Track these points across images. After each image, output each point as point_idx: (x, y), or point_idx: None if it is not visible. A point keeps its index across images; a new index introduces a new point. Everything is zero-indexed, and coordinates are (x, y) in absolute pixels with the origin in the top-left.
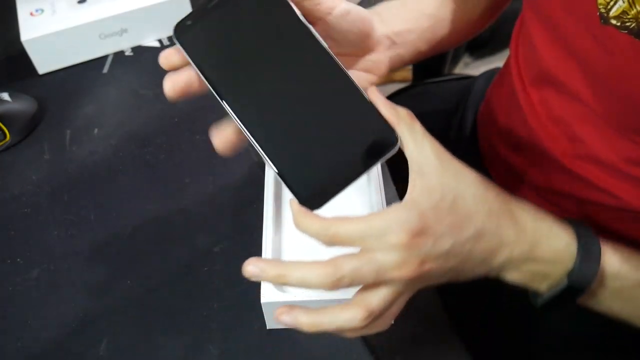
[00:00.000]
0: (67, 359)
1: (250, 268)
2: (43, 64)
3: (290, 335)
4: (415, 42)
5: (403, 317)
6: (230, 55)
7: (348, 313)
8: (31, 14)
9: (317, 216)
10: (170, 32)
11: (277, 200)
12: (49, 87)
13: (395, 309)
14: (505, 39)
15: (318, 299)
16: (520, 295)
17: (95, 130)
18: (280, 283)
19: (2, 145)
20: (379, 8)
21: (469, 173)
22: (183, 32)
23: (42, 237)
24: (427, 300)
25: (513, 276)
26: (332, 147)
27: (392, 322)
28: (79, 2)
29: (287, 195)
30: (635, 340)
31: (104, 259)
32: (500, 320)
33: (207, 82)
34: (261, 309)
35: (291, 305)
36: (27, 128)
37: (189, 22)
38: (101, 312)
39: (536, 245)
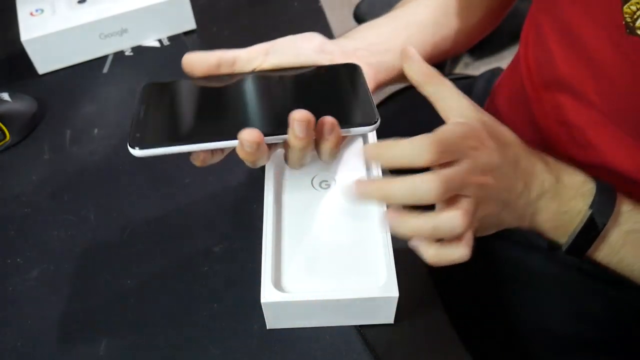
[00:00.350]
0: (67, 359)
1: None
2: (43, 64)
3: (290, 335)
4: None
5: (403, 317)
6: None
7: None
8: (31, 14)
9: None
10: (171, 33)
11: (277, 200)
12: (49, 87)
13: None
14: (505, 39)
15: (318, 299)
16: (519, 295)
17: (95, 130)
18: (385, 199)
19: (2, 145)
20: (358, 29)
21: (496, 119)
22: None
23: (42, 237)
24: (427, 300)
25: (543, 218)
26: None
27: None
28: (79, 2)
29: (287, 195)
30: (632, 340)
31: (104, 259)
32: (500, 321)
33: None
34: (261, 309)
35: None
36: (27, 128)
37: (137, 134)
38: (101, 312)
39: (560, 177)
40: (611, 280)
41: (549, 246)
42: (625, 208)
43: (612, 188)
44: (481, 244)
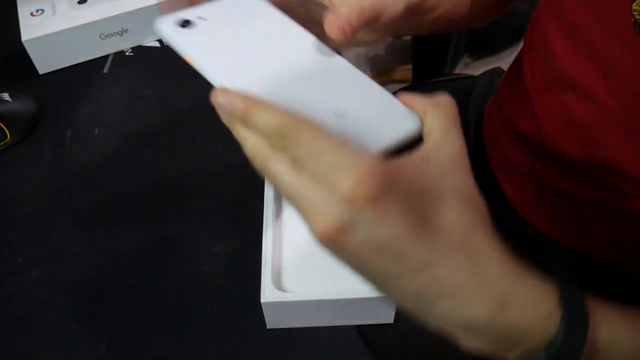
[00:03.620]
0: (67, 359)
1: (221, 99)
2: (43, 64)
3: (290, 335)
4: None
5: (403, 317)
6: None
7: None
8: (31, 14)
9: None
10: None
11: (277, 200)
12: (49, 87)
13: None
14: (505, 39)
15: (318, 298)
16: None
17: (95, 130)
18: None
19: (2, 145)
20: None
21: (473, 195)
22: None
23: (42, 237)
24: None
25: (470, 341)
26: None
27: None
28: (79, 3)
29: None
30: None
31: (104, 259)
32: None
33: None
34: (261, 309)
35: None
36: (27, 128)
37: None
38: (101, 312)
39: (504, 309)
40: (612, 280)
41: None
42: (602, 341)
43: (583, 321)
44: None
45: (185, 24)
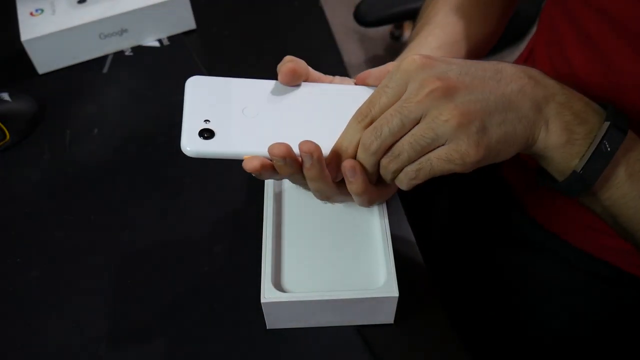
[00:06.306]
0: (67, 359)
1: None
2: (43, 64)
3: (290, 335)
4: None
5: (403, 317)
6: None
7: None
8: (31, 14)
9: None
10: (171, 33)
11: (277, 200)
12: (49, 87)
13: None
14: (505, 39)
15: (318, 299)
16: (519, 295)
17: (95, 130)
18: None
19: (2, 145)
20: (404, 54)
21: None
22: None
23: (42, 237)
24: (427, 300)
25: (556, 126)
26: None
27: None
28: (79, 2)
29: (287, 195)
30: (632, 341)
31: (104, 259)
32: (500, 321)
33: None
34: (261, 309)
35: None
36: (27, 128)
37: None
38: (101, 312)
39: (571, 94)
40: (611, 280)
41: (546, 183)
42: (632, 135)
43: (622, 112)
44: (482, 245)
45: (206, 133)
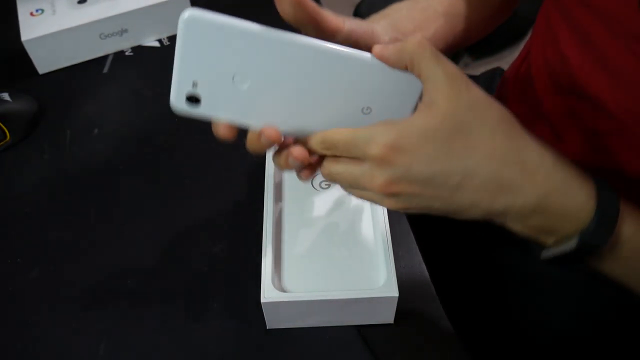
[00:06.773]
0: (67, 359)
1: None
2: (43, 64)
3: (290, 335)
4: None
5: (403, 317)
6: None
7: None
8: (31, 14)
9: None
10: (171, 33)
11: (277, 200)
12: (49, 87)
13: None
14: (505, 39)
15: (318, 299)
16: (519, 295)
17: (95, 130)
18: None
19: (2, 145)
20: (388, 10)
21: (488, 108)
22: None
23: (42, 237)
24: (427, 300)
25: (516, 227)
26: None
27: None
28: (79, 2)
29: (287, 195)
30: (632, 341)
31: (104, 259)
32: (500, 321)
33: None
34: (261, 309)
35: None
36: (27, 128)
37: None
38: (101, 312)
39: (546, 197)
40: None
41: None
42: (625, 235)
43: (615, 213)
44: (481, 244)
45: (192, 99)
